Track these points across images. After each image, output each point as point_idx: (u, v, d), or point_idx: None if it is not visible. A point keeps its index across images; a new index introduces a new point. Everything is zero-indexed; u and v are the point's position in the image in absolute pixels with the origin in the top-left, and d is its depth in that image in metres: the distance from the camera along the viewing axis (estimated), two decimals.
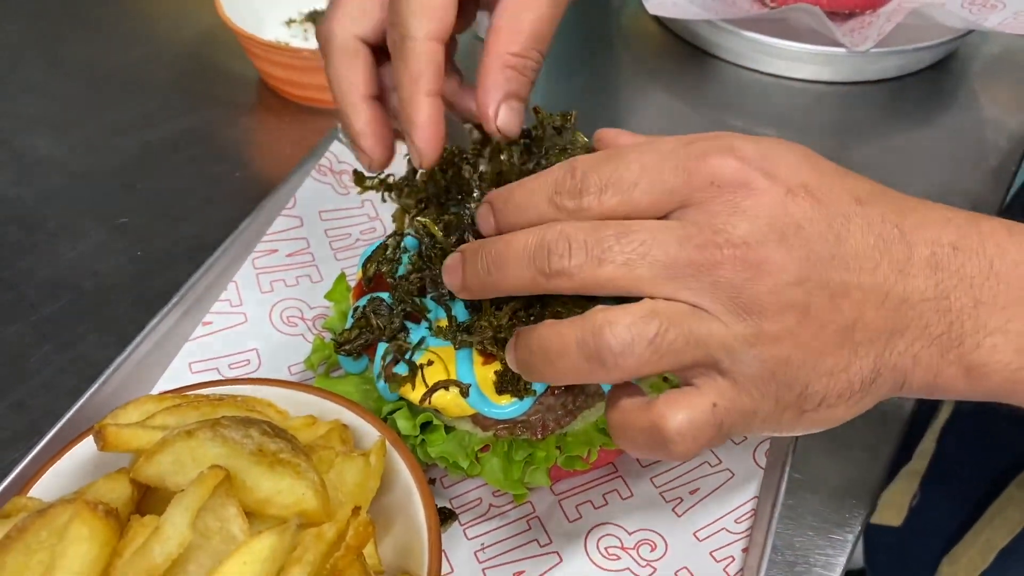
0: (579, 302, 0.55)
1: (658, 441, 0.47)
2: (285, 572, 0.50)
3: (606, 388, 0.62)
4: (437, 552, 0.55)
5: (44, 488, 0.57)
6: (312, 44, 1.04)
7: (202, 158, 0.95)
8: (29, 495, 0.56)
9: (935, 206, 0.51)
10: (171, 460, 0.53)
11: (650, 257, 0.47)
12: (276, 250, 0.81)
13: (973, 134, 1.01)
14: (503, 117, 0.60)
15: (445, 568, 0.64)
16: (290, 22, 1.06)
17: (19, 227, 0.86)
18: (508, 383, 0.60)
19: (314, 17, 1.06)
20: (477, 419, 0.62)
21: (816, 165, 0.51)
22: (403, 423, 0.63)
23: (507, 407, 0.60)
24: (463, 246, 0.55)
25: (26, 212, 0.88)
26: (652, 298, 0.47)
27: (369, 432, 0.60)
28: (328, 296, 0.74)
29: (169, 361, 0.73)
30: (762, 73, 1.06)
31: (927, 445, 1.22)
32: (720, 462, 0.70)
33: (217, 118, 0.99)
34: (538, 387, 0.60)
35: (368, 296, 0.66)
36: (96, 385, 0.68)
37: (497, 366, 0.60)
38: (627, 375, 0.47)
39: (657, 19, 1.08)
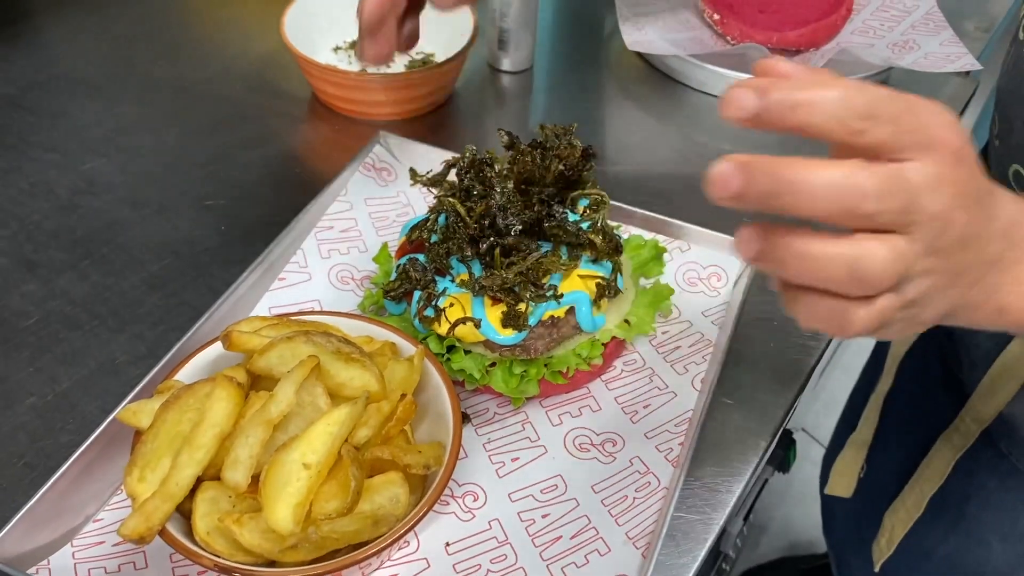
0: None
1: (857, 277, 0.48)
2: (355, 431, 0.73)
3: (586, 326, 0.86)
4: (459, 431, 0.78)
5: (183, 376, 0.80)
6: (354, 69, 1.28)
7: (269, 157, 1.18)
8: (174, 379, 0.79)
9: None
10: (277, 356, 0.76)
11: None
12: (332, 227, 1.05)
13: None
14: None
15: (462, 455, 0.87)
16: (337, 49, 1.30)
17: (128, 206, 1.10)
18: (510, 320, 0.83)
19: (355, 45, 1.30)
20: (487, 344, 0.85)
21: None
22: (433, 345, 0.86)
23: (509, 337, 0.84)
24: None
25: (132, 194, 1.11)
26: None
27: (409, 349, 0.84)
28: (375, 259, 0.97)
29: (254, 306, 0.97)
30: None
31: (871, 414, 1.34)
32: (667, 386, 0.93)
33: (279, 126, 1.23)
34: (532, 321, 0.84)
35: (408, 256, 0.89)
36: (201, 320, 0.91)
37: (503, 307, 0.83)
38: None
39: (637, 52, 1.31)
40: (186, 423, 0.73)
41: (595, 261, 0.86)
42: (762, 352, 0.98)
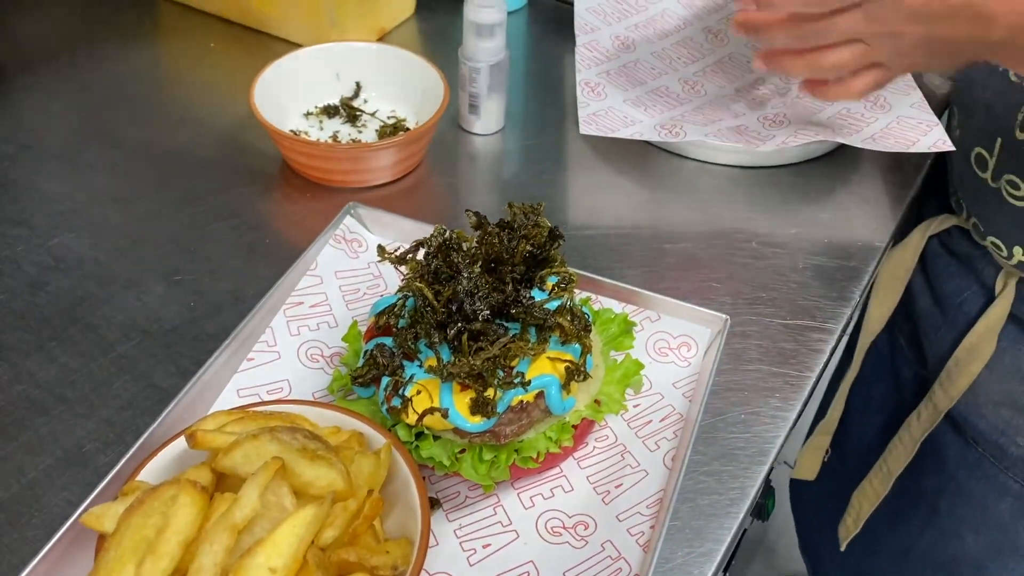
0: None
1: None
2: (321, 532, 0.73)
3: (556, 409, 0.86)
4: (427, 525, 0.77)
5: (146, 475, 0.79)
6: (326, 133, 1.28)
7: (240, 226, 1.18)
8: (138, 479, 0.78)
9: None
10: (242, 455, 0.76)
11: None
12: (302, 303, 1.05)
13: (859, 212, 1.26)
14: None
15: (432, 541, 0.87)
16: (308, 114, 1.30)
17: (96, 282, 1.09)
18: (479, 407, 0.82)
19: (328, 110, 1.30)
20: (456, 431, 0.85)
21: None
22: (402, 432, 0.86)
23: (478, 424, 0.83)
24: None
25: (101, 270, 1.10)
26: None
27: (377, 438, 0.83)
28: (344, 338, 0.97)
29: (222, 389, 0.96)
30: (689, 159, 1.30)
31: (838, 401, 1.40)
32: (638, 464, 0.93)
33: (251, 193, 1.22)
34: (500, 408, 0.83)
35: (375, 341, 0.89)
36: (170, 407, 0.90)
37: (472, 394, 0.83)
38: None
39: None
40: (150, 528, 0.72)
41: (564, 342, 0.86)
42: (733, 424, 0.98)
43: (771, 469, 0.96)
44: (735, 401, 1.00)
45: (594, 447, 0.95)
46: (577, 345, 0.87)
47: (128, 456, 0.84)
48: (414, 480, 0.80)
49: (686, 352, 1.03)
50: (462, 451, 0.86)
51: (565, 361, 0.86)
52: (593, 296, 1.06)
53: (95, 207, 1.19)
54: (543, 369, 0.86)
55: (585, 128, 1.24)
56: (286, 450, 0.76)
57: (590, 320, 0.90)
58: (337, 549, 0.74)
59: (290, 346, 1.01)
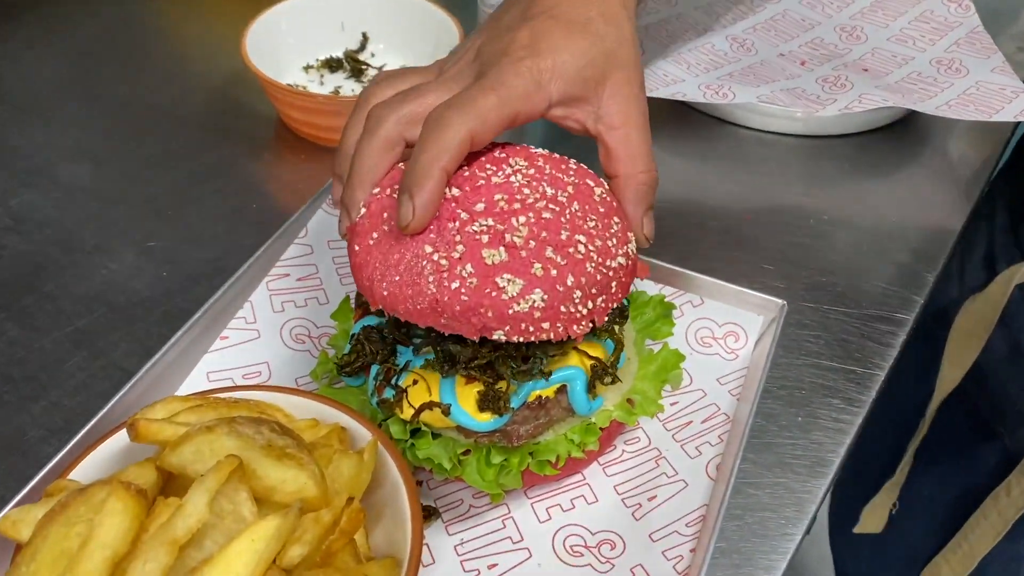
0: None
1: None
2: (286, 549, 0.59)
3: (580, 409, 0.71)
4: (418, 540, 0.63)
5: (81, 473, 0.66)
6: (326, 89, 1.14)
7: (225, 189, 1.04)
8: (68, 478, 0.64)
9: None
10: (192, 451, 0.62)
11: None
12: (288, 274, 0.91)
13: (930, 189, 1.10)
14: (647, 228, 0.72)
15: (427, 559, 0.72)
16: (308, 68, 1.16)
17: (60, 248, 0.96)
18: (488, 402, 0.68)
19: (331, 64, 1.16)
20: (461, 428, 0.71)
21: None
22: (395, 428, 0.72)
23: (486, 423, 0.69)
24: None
25: (66, 235, 0.97)
26: None
27: (364, 434, 0.69)
28: (333, 316, 0.83)
29: (190, 370, 0.82)
30: (738, 125, 1.15)
31: (907, 460, 1.28)
32: (676, 473, 0.78)
33: (240, 153, 1.09)
34: (514, 403, 0.69)
35: (363, 322, 0.75)
36: (125, 389, 0.76)
37: (479, 386, 0.69)
38: None
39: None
40: (73, 539, 0.58)
41: (595, 332, 0.72)
42: (788, 428, 0.83)
43: (833, 483, 0.81)
44: (790, 401, 0.85)
45: (623, 451, 0.80)
46: (608, 339, 0.73)
47: (67, 449, 0.71)
48: (405, 486, 0.66)
49: (733, 343, 0.88)
50: (466, 452, 0.72)
51: (593, 358, 0.71)
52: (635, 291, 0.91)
53: (65, 165, 1.06)
54: (567, 360, 0.71)
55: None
56: (247, 446, 0.62)
57: (627, 307, 0.76)
58: (306, 572, 0.59)
59: (272, 324, 0.87)
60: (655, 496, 0.76)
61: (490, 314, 0.63)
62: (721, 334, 0.88)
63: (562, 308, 0.64)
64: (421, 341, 0.71)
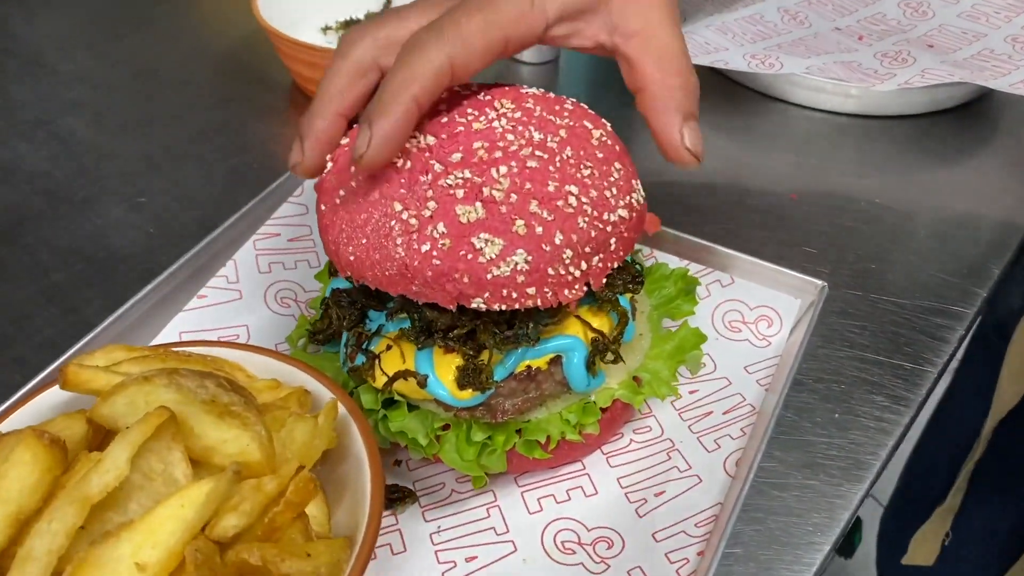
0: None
1: None
2: (219, 518, 0.51)
3: (577, 385, 0.62)
4: (375, 521, 0.55)
5: (12, 426, 0.59)
6: None
7: (227, 149, 0.98)
8: None
9: None
10: (126, 402, 0.54)
11: None
12: (279, 234, 0.83)
13: (998, 177, 0.99)
14: (690, 139, 0.58)
15: (398, 546, 0.64)
16: (326, 29, 1.10)
17: (46, 199, 0.90)
18: (469, 377, 0.60)
19: (351, 25, 1.10)
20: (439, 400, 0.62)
21: None
22: (366, 398, 0.64)
23: (466, 400, 0.61)
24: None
25: (55, 186, 0.92)
26: None
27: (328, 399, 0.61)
28: (317, 277, 0.75)
29: (160, 328, 0.75)
30: (788, 102, 1.05)
31: (961, 483, 1.18)
32: (689, 467, 0.68)
33: (247, 115, 1.03)
34: (499, 375, 0.60)
35: (333, 285, 0.67)
36: (83, 341, 0.70)
37: (458, 359, 0.60)
38: None
39: None
40: None
41: (600, 300, 0.63)
42: (824, 426, 0.72)
43: (870, 489, 0.71)
44: (827, 395, 0.75)
45: (631, 440, 0.71)
46: (622, 299, 0.64)
47: (6, 406, 0.64)
48: (368, 460, 0.58)
49: (765, 328, 0.78)
50: (445, 427, 0.63)
51: (595, 329, 0.62)
52: (646, 250, 0.82)
53: (65, 118, 1.01)
54: (565, 328, 0.62)
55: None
56: (186, 401, 0.54)
57: (640, 270, 0.67)
58: (241, 546, 0.51)
59: (257, 285, 0.80)
60: (663, 492, 0.67)
61: (466, 280, 0.54)
62: (752, 318, 0.78)
63: (550, 271, 0.55)
64: (395, 305, 0.63)
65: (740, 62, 1.00)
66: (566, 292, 0.56)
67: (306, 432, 0.56)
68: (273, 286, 0.80)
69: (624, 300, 0.64)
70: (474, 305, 0.55)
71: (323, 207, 0.61)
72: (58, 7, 1.18)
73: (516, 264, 0.54)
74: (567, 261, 0.55)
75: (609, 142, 0.61)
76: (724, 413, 0.72)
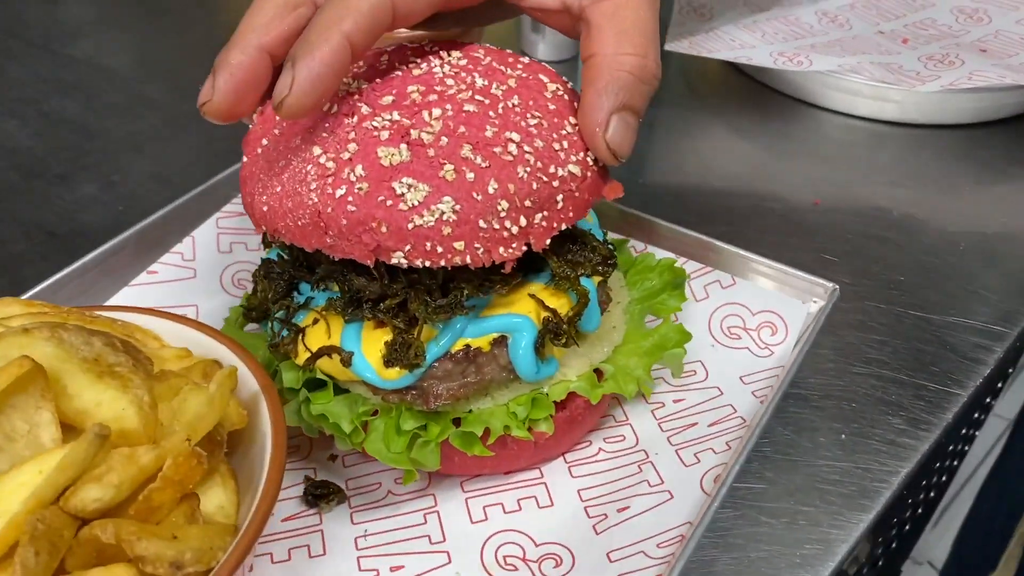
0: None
1: None
2: (78, 489, 0.44)
3: (523, 370, 0.54)
4: (264, 509, 0.48)
5: None
6: None
7: (214, 135, 0.93)
8: None
9: None
10: (0, 355, 0.49)
11: None
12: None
13: None
14: (614, 132, 0.50)
15: (317, 549, 0.56)
16: None
17: (20, 173, 0.87)
18: (397, 354, 0.52)
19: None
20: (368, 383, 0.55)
21: None
22: (288, 376, 0.57)
23: (394, 380, 0.53)
24: None
25: (32, 162, 0.89)
26: None
27: (249, 379, 0.54)
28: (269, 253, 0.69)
29: (101, 302, 0.70)
30: (821, 108, 0.96)
31: (1013, 550, 1.06)
32: (661, 482, 0.59)
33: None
34: (432, 354, 0.53)
35: (270, 254, 0.61)
36: None
37: (388, 333, 0.53)
38: None
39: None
40: None
41: (558, 277, 0.55)
42: (828, 447, 0.63)
43: (877, 522, 0.60)
44: (834, 414, 0.65)
45: (600, 449, 0.62)
46: (587, 281, 0.56)
47: None
48: (271, 439, 0.50)
49: (768, 336, 0.69)
50: (375, 414, 0.56)
51: (548, 308, 0.54)
52: (639, 245, 0.74)
53: (58, 99, 0.98)
54: (513, 305, 0.55)
55: (673, 44, 0.93)
56: (65, 357, 0.48)
57: (613, 250, 0.59)
58: (102, 522, 0.44)
59: (214, 265, 0.74)
60: (627, 507, 0.58)
61: (384, 229, 0.47)
62: (755, 324, 0.69)
63: (481, 223, 0.48)
64: (323, 271, 0.56)
65: (766, 59, 0.92)
66: (501, 250, 0.48)
67: (200, 404, 0.49)
68: (232, 267, 0.74)
69: (589, 282, 0.56)
70: (395, 260, 0.48)
71: (245, 159, 0.55)
72: None
73: (442, 213, 0.47)
74: (502, 214, 0.48)
75: (567, 97, 0.54)
76: (710, 425, 0.63)
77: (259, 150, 0.53)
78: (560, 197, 0.50)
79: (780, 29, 0.99)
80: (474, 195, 0.47)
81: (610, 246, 0.58)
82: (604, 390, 0.57)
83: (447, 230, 0.47)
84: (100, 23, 1.11)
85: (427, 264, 0.48)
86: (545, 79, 0.54)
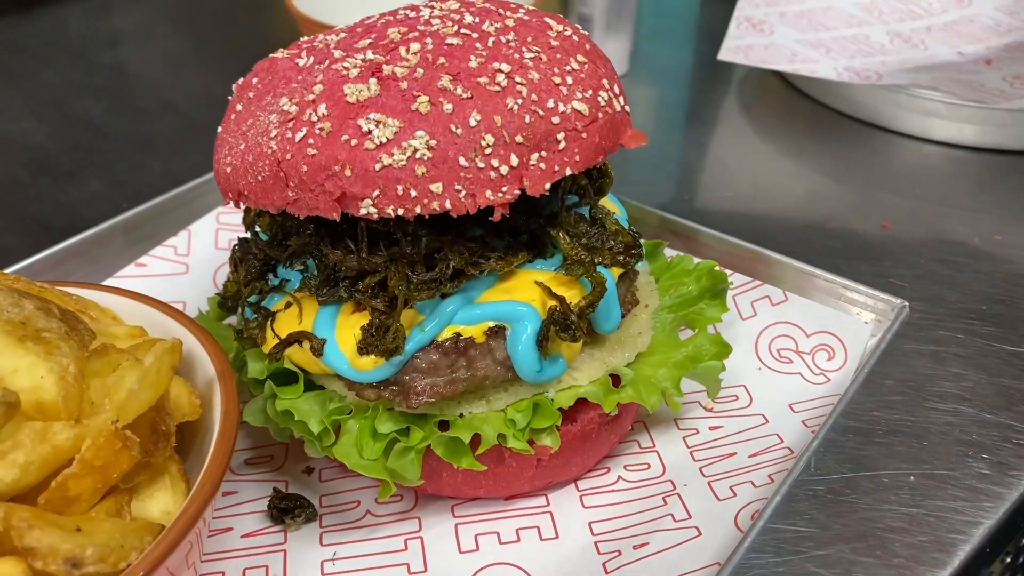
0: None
1: None
2: None
3: (523, 368, 0.46)
4: (195, 508, 0.40)
5: None
6: None
7: None
8: None
9: None
10: None
11: None
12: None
13: None
14: None
15: (276, 571, 0.48)
16: None
17: (29, 170, 0.84)
18: (373, 339, 0.44)
19: None
20: (347, 380, 0.47)
21: None
22: (253, 367, 0.49)
23: (368, 372, 0.45)
24: None
25: (43, 159, 0.85)
26: None
27: (206, 365, 0.47)
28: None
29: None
30: (893, 132, 0.88)
31: None
32: (689, 516, 0.50)
33: None
34: (416, 341, 0.45)
35: (242, 236, 0.54)
36: None
37: (365, 317, 0.45)
38: None
39: (778, 74, 0.94)
40: None
41: (570, 263, 0.47)
42: (892, 488, 0.52)
43: None
44: (903, 453, 0.55)
45: (619, 477, 0.53)
46: (605, 270, 0.47)
47: None
48: (218, 430, 0.43)
49: (824, 361, 0.59)
50: (349, 414, 0.48)
51: (556, 295, 0.46)
52: (674, 254, 0.65)
53: (80, 100, 0.96)
54: (514, 289, 0.46)
55: (727, 54, 0.86)
56: None
57: (639, 239, 0.50)
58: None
59: (208, 261, 0.68)
60: (646, 544, 0.48)
61: (348, 172, 0.40)
62: (809, 347, 0.60)
63: (462, 160, 0.40)
64: (295, 244, 0.49)
65: (830, 72, 0.84)
66: (488, 193, 0.41)
67: (135, 380, 0.42)
68: (227, 265, 0.67)
69: (607, 272, 0.47)
70: (363, 211, 0.41)
71: (220, 128, 0.49)
72: (137, 7, 1.16)
73: (414, 150, 0.40)
74: (487, 150, 0.40)
75: (575, 39, 0.47)
76: (751, 456, 0.53)
77: (232, 116, 0.48)
78: (561, 136, 0.42)
79: (847, 47, 0.91)
80: (452, 128, 0.40)
81: (635, 233, 0.50)
82: (620, 398, 0.48)
83: (421, 170, 0.40)
84: (138, 34, 1.09)
85: (400, 212, 0.40)
86: (551, 21, 0.47)
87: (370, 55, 0.43)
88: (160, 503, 0.44)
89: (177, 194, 0.70)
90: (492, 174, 0.40)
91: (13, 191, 0.80)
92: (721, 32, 0.96)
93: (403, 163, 0.39)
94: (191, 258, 0.68)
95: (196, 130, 0.90)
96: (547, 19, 0.47)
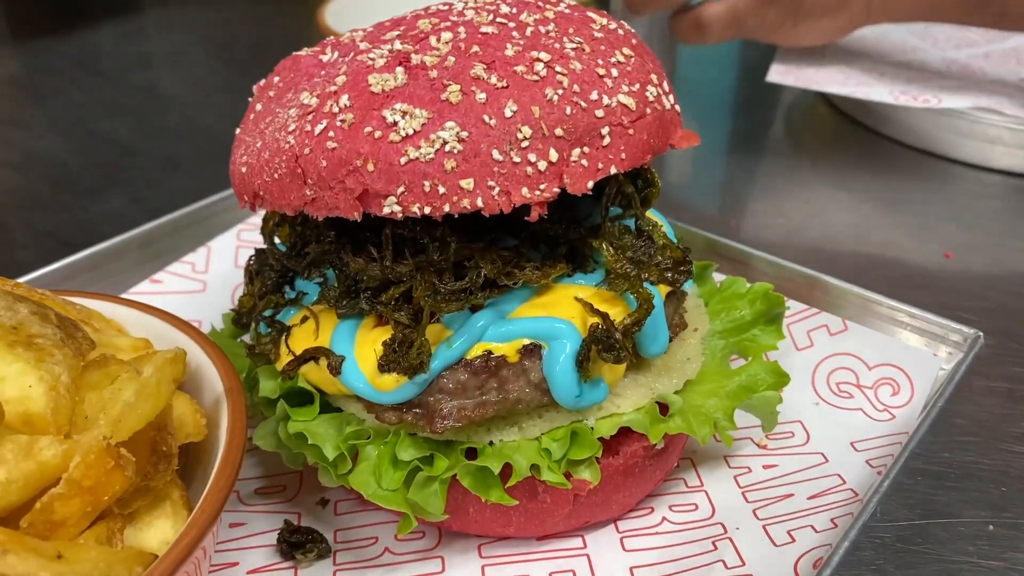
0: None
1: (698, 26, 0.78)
2: None
3: (560, 392, 0.41)
4: (192, 536, 0.36)
5: None
6: None
7: None
8: None
9: None
10: None
11: None
12: None
13: None
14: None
15: None
16: None
17: (51, 186, 0.82)
18: (395, 356, 0.40)
19: None
20: (367, 401, 0.43)
21: None
22: (265, 385, 0.45)
23: (389, 393, 0.41)
24: None
25: (65, 176, 0.84)
26: None
27: (214, 385, 0.43)
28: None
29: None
30: (952, 160, 0.83)
31: None
32: (742, 563, 0.45)
33: None
34: (442, 359, 0.41)
35: (259, 248, 0.51)
36: None
37: (387, 332, 0.41)
38: None
39: (825, 99, 0.90)
40: None
41: (614, 279, 0.43)
42: (966, 537, 0.47)
43: None
44: (980, 500, 0.50)
45: (664, 518, 0.48)
46: (652, 288, 0.43)
47: None
48: (223, 450, 0.38)
49: (888, 396, 0.54)
50: (368, 439, 0.43)
51: (598, 312, 0.42)
52: (723, 279, 0.61)
53: (106, 119, 0.94)
54: (552, 304, 0.42)
55: (776, 75, 0.82)
56: None
57: (689, 254, 0.46)
58: None
59: (227, 279, 0.65)
60: None
61: (371, 167, 0.37)
62: (871, 380, 0.55)
63: (495, 154, 0.36)
64: (314, 252, 0.45)
65: (885, 95, 0.80)
66: (524, 191, 0.37)
67: (132, 393, 0.38)
68: None
69: (654, 289, 0.43)
70: (386, 210, 0.37)
71: (238, 130, 0.46)
72: (172, 33, 1.15)
73: (444, 142, 0.36)
74: (524, 143, 0.36)
75: (620, 32, 0.43)
76: (810, 498, 0.48)
77: (251, 116, 0.44)
78: (606, 131, 0.38)
79: (901, 73, 0.87)
80: (485, 119, 0.36)
81: (685, 249, 0.46)
82: (668, 428, 0.43)
83: (451, 164, 0.36)
84: (171, 56, 1.08)
85: (427, 211, 0.37)
86: (595, 15, 0.43)
87: (398, 45, 0.40)
88: (160, 532, 0.40)
89: (194, 210, 0.67)
90: (529, 169, 0.37)
91: (32, 206, 0.78)
92: (766, 57, 0.93)
93: (431, 156, 0.36)
94: (209, 275, 0.65)
95: (220, 149, 0.87)
96: (590, 13, 0.44)
